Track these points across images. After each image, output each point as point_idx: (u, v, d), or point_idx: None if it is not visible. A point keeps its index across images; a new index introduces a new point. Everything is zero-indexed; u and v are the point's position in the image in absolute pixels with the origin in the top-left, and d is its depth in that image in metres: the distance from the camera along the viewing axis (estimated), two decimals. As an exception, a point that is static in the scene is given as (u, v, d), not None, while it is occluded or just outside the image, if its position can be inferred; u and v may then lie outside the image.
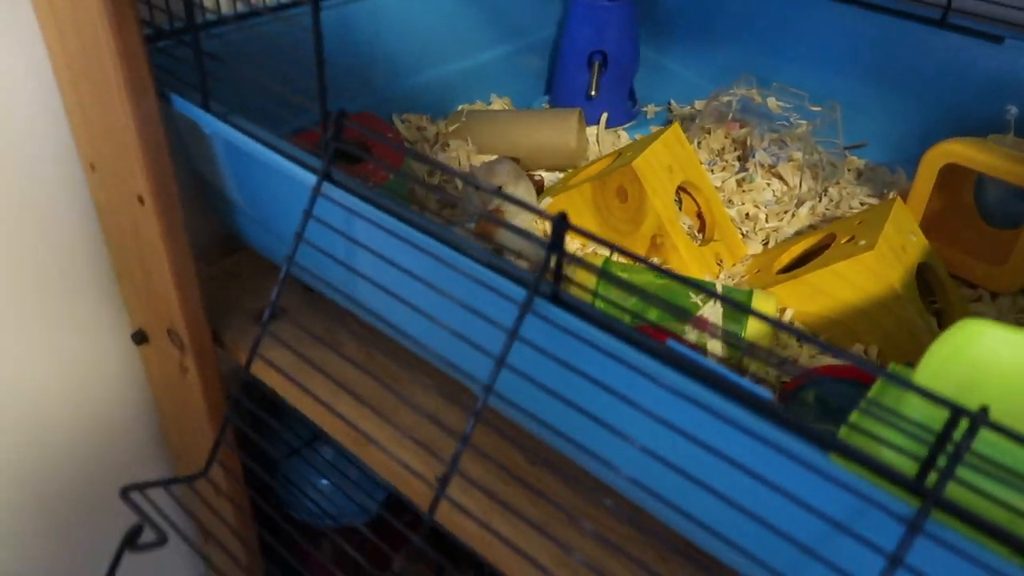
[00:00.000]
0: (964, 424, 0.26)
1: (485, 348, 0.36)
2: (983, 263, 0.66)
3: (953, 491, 0.28)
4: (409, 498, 0.50)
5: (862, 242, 0.57)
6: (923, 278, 0.61)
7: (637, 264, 0.62)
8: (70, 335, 0.63)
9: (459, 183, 0.70)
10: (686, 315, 0.53)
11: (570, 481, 0.49)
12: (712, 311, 0.54)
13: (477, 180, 0.39)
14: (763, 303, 0.56)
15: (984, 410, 0.26)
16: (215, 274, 0.66)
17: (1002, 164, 0.62)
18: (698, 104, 0.90)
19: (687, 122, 0.85)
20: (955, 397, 0.27)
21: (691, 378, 0.33)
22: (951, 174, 0.67)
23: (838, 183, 0.76)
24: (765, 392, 0.31)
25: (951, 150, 0.64)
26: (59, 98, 0.56)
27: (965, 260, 0.67)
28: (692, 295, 0.55)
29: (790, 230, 0.70)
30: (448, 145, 0.77)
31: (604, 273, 0.34)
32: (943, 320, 0.60)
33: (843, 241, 0.61)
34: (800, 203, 0.73)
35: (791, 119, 0.79)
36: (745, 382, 0.32)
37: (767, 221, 0.72)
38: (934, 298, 0.62)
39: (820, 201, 0.74)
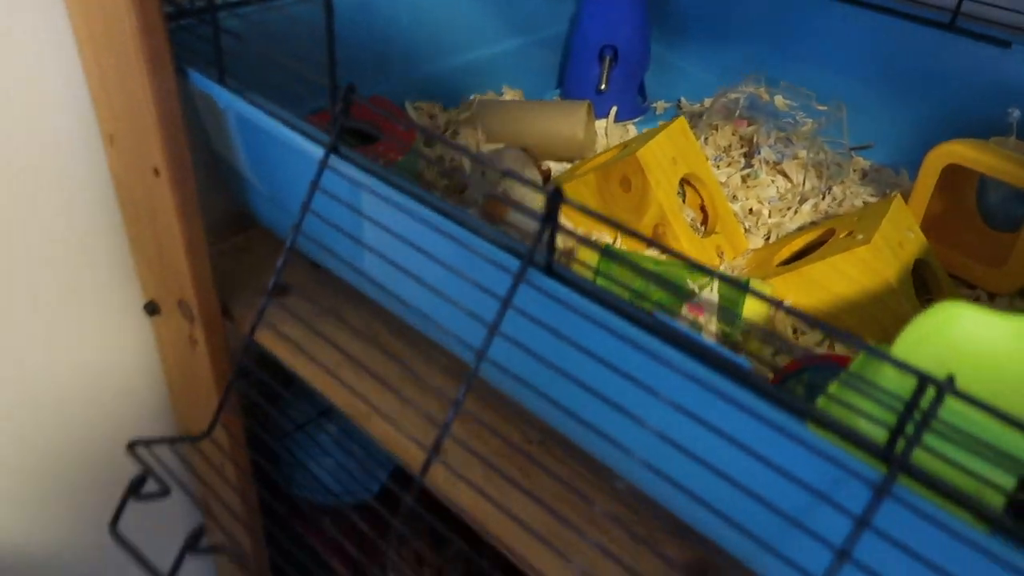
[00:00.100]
0: (931, 392, 0.27)
1: (481, 317, 0.38)
2: (982, 264, 0.66)
3: (926, 461, 0.29)
4: (409, 467, 0.51)
5: (859, 236, 0.58)
6: (920, 275, 0.62)
7: (638, 251, 0.63)
8: (84, 305, 0.65)
9: (467, 164, 0.72)
10: (685, 295, 0.54)
11: (569, 457, 0.51)
12: (709, 295, 0.55)
13: (483, 156, 0.40)
14: (755, 301, 0.57)
15: (951, 379, 0.27)
16: (227, 251, 0.68)
17: (1003, 165, 0.63)
18: (707, 102, 0.91)
19: (696, 119, 0.86)
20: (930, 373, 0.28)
21: (677, 349, 0.34)
22: (954, 177, 0.68)
23: (842, 182, 0.77)
24: (744, 361, 0.32)
25: (953, 151, 0.65)
26: (82, 73, 0.58)
27: (964, 261, 0.67)
28: (690, 281, 0.56)
29: (792, 226, 0.71)
30: (458, 133, 0.78)
31: (606, 251, 0.35)
32: (938, 317, 0.61)
33: (842, 236, 0.62)
34: (803, 200, 0.74)
35: (797, 117, 0.80)
36: (726, 352, 0.33)
37: (770, 217, 0.73)
38: (931, 295, 0.63)
39: (823, 199, 0.75)
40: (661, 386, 0.34)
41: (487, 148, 0.77)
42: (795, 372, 0.52)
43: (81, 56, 0.57)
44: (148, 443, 0.42)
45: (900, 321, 0.57)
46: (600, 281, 0.54)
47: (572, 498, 0.48)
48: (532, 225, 0.63)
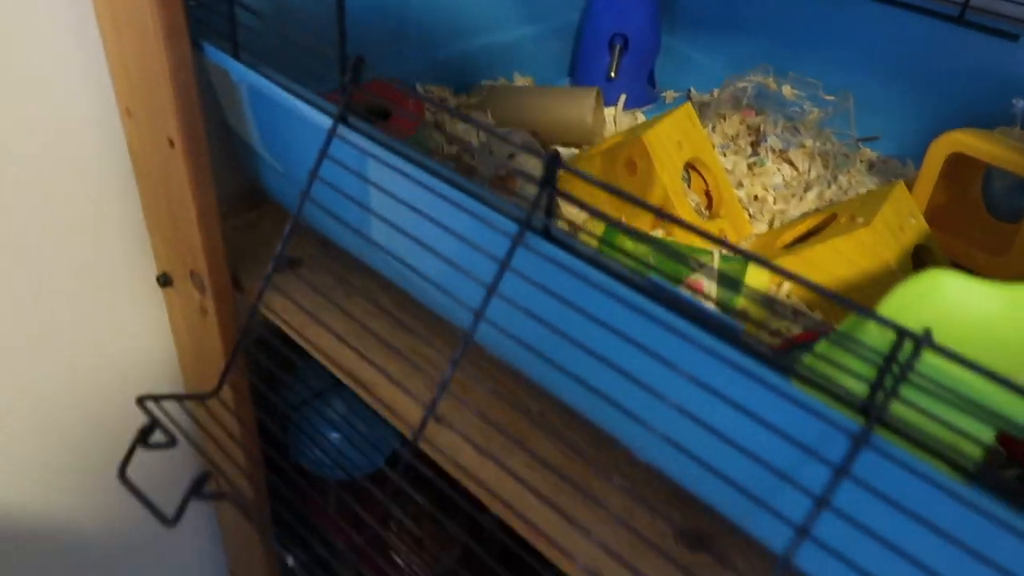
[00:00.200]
0: (909, 347, 0.28)
1: (481, 280, 0.39)
2: (985, 253, 0.67)
3: (909, 416, 0.30)
4: (413, 431, 0.52)
5: (860, 220, 0.59)
6: (921, 261, 0.62)
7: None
8: (99, 275, 0.66)
9: (478, 137, 0.73)
10: (688, 264, 0.55)
11: (568, 428, 0.52)
12: (711, 264, 0.56)
13: (489, 126, 0.41)
14: (757, 273, 0.58)
15: (928, 333, 0.28)
16: (238, 225, 0.70)
17: (1007, 155, 0.63)
18: (716, 92, 0.92)
19: (704, 108, 0.87)
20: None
21: (673, 311, 0.35)
22: (960, 167, 0.68)
23: (848, 172, 0.78)
24: (736, 323, 0.33)
25: (957, 139, 0.66)
26: (101, 47, 0.59)
27: (967, 250, 0.68)
28: (692, 260, 0.57)
29: (796, 213, 0.72)
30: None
31: (608, 220, 0.36)
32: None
33: (843, 220, 0.62)
34: (808, 188, 0.74)
35: (804, 107, 0.80)
36: (718, 313, 0.34)
37: (775, 203, 0.74)
38: (931, 281, 0.63)
39: (829, 187, 0.75)
40: (666, 353, 0.35)
41: (496, 132, 0.78)
42: (803, 344, 0.53)
43: (101, 30, 0.58)
44: (157, 398, 0.43)
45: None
46: (605, 251, 0.55)
47: (572, 464, 0.49)
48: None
